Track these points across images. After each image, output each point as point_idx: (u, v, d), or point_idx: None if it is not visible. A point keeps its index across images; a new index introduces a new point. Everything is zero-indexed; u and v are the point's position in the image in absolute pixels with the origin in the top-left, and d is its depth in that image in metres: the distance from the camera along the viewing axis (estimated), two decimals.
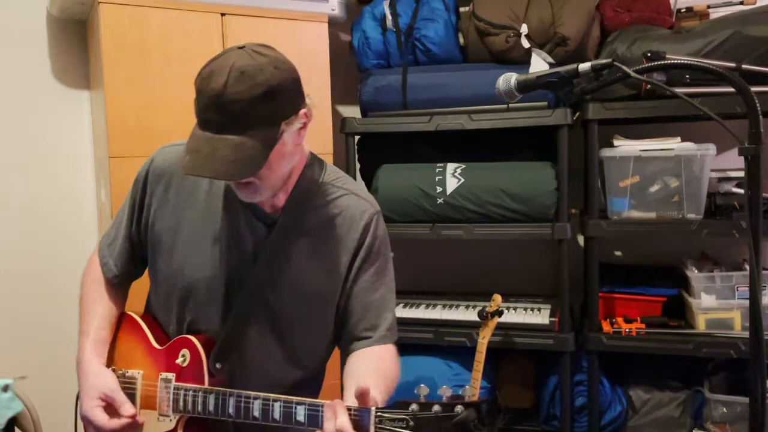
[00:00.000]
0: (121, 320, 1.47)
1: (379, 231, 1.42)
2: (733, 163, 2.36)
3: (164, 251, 1.38)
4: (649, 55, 2.23)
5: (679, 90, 1.35)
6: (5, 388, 1.80)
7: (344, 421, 1.09)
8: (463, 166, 2.55)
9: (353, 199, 1.40)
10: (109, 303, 1.45)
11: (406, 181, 2.58)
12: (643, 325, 2.44)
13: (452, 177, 2.53)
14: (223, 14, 2.33)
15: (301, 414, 1.19)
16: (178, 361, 1.34)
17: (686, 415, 2.50)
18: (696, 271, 2.43)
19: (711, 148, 2.34)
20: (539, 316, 2.54)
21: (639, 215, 2.43)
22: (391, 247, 3.41)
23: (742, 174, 1.67)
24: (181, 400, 1.31)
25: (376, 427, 1.09)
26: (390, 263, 1.46)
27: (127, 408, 1.32)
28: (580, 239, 2.76)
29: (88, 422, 1.32)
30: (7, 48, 2.48)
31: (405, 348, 2.60)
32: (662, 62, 1.39)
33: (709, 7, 2.58)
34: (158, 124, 2.23)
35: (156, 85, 2.23)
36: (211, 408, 1.28)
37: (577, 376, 2.54)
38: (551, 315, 2.52)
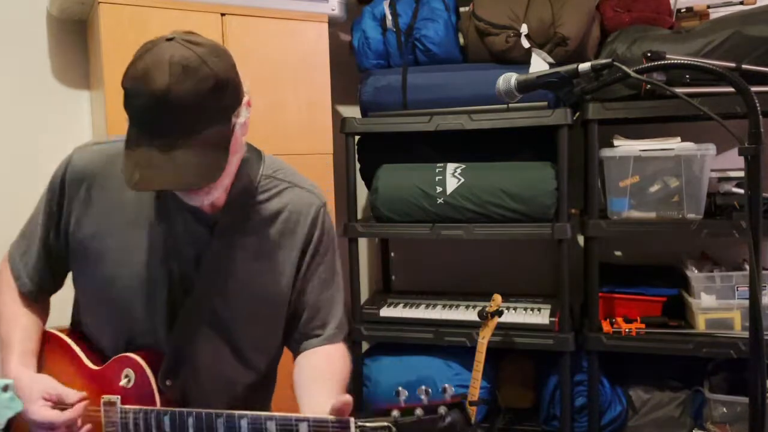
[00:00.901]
0: (45, 340, 1.33)
1: (327, 224, 1.35)
2: (733, 163, 2.36)
3: (92, 262, 1.25)
4: (649, 55, 2.23)
5: (679, 90, 1.35)
6: (5, 388, 1.79)
7: None
8: (463, 166, 2.56)
9: (297, 192, 1.32)
10: (31, 316, 1.32)
11: (406, 181, 2.58)
12: (643, 325, 2.44)
13: (452, 177, 2.53)
14: (223, 14, 2.33)
15: (272, 429, 1.10)
16: (122, 382, 1.22)
17: (686, 415, 2.50)
18: (696, 271, 2.43)
19: (711, 148, 2.34)
20: (539, 316, 2.54)
21: (639, 215, 2.43)
22: (390, 247, 3.42)
23: (742, 174, 1.67)
24: (131, 425, 1.20)
25: None
26: (338, 257, 1.39)
27: (73, 395, 1.21)
28: (580, 239, 2.76)
29: (39, 426, 1.21)
30: (7, 48, 2.48)
31: (405, 348, 2.65)
32: (662, 62, 1.39)
33: (709, 7, 2.59)
34: None
35: None
36: (167, 429, 1.17)
37: (577, 376, 2.54)
38: (551, 315, 2.52)
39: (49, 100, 2.57)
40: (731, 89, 1.14)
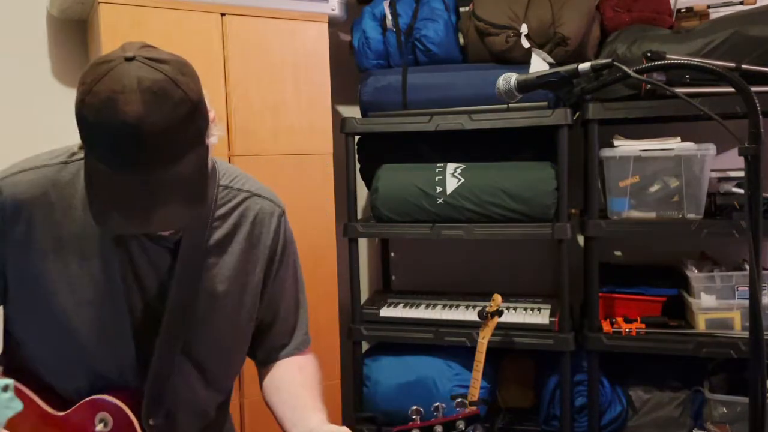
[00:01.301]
0: None
1: (288, 232, 1.30)
2: (733, 163, 2.36)
3: (40, 302, 1.09)
4: (649, 55, 2.23)
5: (679, 90, 1.35)
6: (5, 388, 1.79)
7: None
8: (463, 166, 2.56)
9: (258, 201, 1.24)
10: None
11: (406, 181, 2.58)
12: (643, 325, 2.44)
13: (452, 177, 2.53)
14: (223, 14, 2.33)
15: None
16: (98, 428, 1.11)
17: (686, 415, 2.50)
18: (696, 271, 2.43)
19: (711, 148, 2.33)
20: (539, 316, 2.54)
21: (639, 215, 2.43)
22: (390, 246, 3.43)
23: (742, 174, 1.67)
24: None
25: None
26: (299, 261, 1.34)
27: None
28: (580, 239, 2.76)
29: None
30: (7, 48, 2.48)
31: (405, 348, 2.65)
32: (662, 62, 1.39)
33: (709, 7, 2.58)
34: None
35: None
36: None
37: (577, 376, 2.54)
38: (551, 315, 2.52)
39: (49, 100, 2.57)
40: (731, 89, 1.14)
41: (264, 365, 1.33)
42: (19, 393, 1.13)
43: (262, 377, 1.33)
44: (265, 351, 1.31)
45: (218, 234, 1.18)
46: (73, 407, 1.13)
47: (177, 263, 1.12)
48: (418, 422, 1.09)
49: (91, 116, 0.91)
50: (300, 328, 1.33)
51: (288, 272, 1.30)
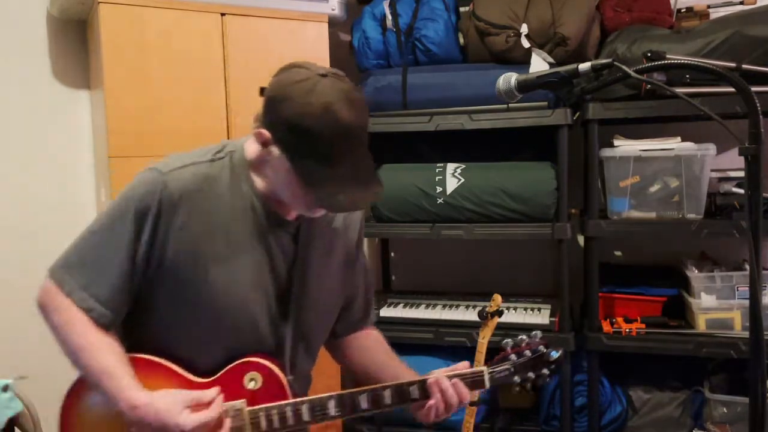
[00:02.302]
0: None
1: (363, 216, 1.50)
2: (733, 163, 2.36)
3: (193, 285, 1.24)
4: (649, 55, 2.23)
5: (679, 90, 1.35)
6: (5, 388, 1.80)
7: (446, 386, 1.30)
8: (463, 166, 2.55)
9: None
10: (114, 344, 1.25)
11: (406, 181, 2.58)
12: (643, 325, 2.44)
13: (452, 177, 2.53)
14: (223, 14, 2.33)
15: (415, 393, 1.31)
16: (248, 386, 1.27)
17: (686, 415, 2.50)
18: (696, 271, 2.43)
19: (711, 148, 2.33)
20: (539, 316, 2.54)
21: (639, 215, 2.43)
22: (390, 246, 3.43)
23: (742, 174, 1.67)
24: (263, 423, 1.26)
25: (491, 383, 1.35)
26: (364, 246, 1.55)
27: (208, 394, 1.22)
28: (580, 239, 2.76)
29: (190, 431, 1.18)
30: (7, 48, 2.48)
31: (405, 348, 2.62)
32: (662, 62, 1.39)
33: (709, 7, 2.58)
34: (158, 124, 2.23)
35: (156, 85, 2.23)
36: (306, 417, 1.28)
37: (577, 376, 2.54)
38: (551, 315, 2.52)
39: (49, 100, 2.57)
40: (731, 89, 1.14)
41: (340, 338, 1.50)
42: (161, 368, 1.27)
43: (338, 347, 1.52)
44: (345, 324, 1.49)
45: (321, 222, 1.36)
46: (222, 372, 1.27)
47: (299, 246, 1.32)
48: (509, 349, 1.37)
49: (312, 123, 1.11)
50: (372, 304, 1.54)
51: (363, 256, 1.51)
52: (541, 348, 1.37)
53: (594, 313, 2.47)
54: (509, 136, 2.57)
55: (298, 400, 1.28)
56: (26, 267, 2.53)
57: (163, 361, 1.28)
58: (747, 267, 2.38)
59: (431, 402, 1.31)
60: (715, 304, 2.35)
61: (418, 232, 2.59)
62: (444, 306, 2.68)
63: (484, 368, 1.35)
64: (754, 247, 1.10)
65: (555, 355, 1.37)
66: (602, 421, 2.49)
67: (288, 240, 1.31)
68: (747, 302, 1.17)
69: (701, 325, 2.37)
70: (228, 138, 2.34)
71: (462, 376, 1.32)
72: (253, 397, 1.27)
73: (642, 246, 2.87)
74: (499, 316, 2.33)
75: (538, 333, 1.39)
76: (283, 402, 1.28)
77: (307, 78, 1.14)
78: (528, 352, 1.36)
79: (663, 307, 2.51)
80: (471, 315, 2.55)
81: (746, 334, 2.10)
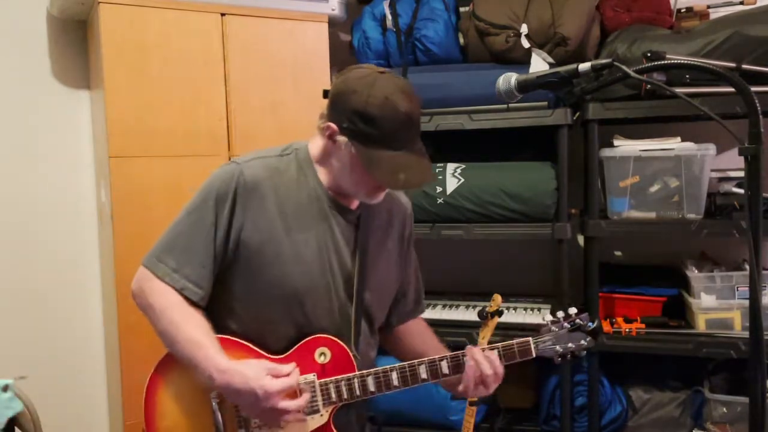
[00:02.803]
0: None
1: (412, 213, 1.64)
2: (733, 163, 2.36)
3: (267, 263, 1.37)
4: (649, 55, 2.23)
5: (679, 90, 1.35)
6: (5, 388, 1.80)
7: (480, 358, 1.42)
8: (463, 166, 2.55)
9: (397, 192, 1.59)
10: (204, 320, 1.38)
11: None
12: (643, 325, 2.45)
13: (452, 177, 2.53)
14: (223, 14, 2.33)
15: (444, 368, 1.42)
16: (319, 360, 1.39)
17: (686, 415, 2.50)
18: (696, 271, 2.43)
19: (711, 148, 2.33)
20: (539, 316, 2.54)
21: (639, 215, 2.43)
22: None
23: (742, 174, 1.67)
24: (333, 393, 1.39)
25: (537, 351, 1.45)
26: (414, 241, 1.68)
27: (286, 366, 1.34)
28: (580, 239, 2.76)
29: (274, 394, 1.28)
30: (7, 48, 2.48)
31: None
32: (662, 62, 1.39)
33: (709, 7, 2.58)
34: (158, 124, 2.23)
35: (156, 85, 2.23)
36: (372, 388, 1.40)
37: (577, 376, 2.54)
38: (551, 315, 2.51)
39: (49, 100, 2.57)
40: (731, 89, 1.14)
41: (393, 327, 1.64)
42: (240, 346, 1.39)
43: (391, 337, 1.65)
44: (398, 314, 1.63)
45: (377, 212, 1.50)
46: (294, 349, 1.40)
47: (358, 232, 1.45)
48: (549, 323, 1.48)
49: (377, 112, 1.28)
50: (422, 296, 1.69)
51: (413, 252, 1.64)
52: (579, 320, 1.47)
53: (594, 313, 2.47)
54: (509, 136, 2.56)
55: (364, 372, 1.40)
56: (26, 267, 2.54)
57: (240, 340, 1.40)
58: (747, 267, 2.38)
59: (468, 372, 1.41)
60: (715, 304, 2.35)
61: (417, 232, 2.55)
62: (444, 306, 2.68)
63: (530, 338, 1.46)
64: (754, 247, 1.10)
65: (592, 325, 1.47)
66: (602, 421, 2.49)
67: (350, 227, 1.44)
68: (747, 302, 1.17)
69: (701, 325, 2.37)
70: (227, 138, 2.34)
71: (509, 347, 1.45)
72: (323, 370, 1.39)
73: (642, 246, 2.87)
74: (499, 316, 2.33)
75: (574, 308, 1.48)
76: (350, 374, 1.40)
77: (368, 75, 1.32)
78: (567, 324, 1.47)
79: (663, 307, 2.51)
80: (471, 315, 2.55)
81: (746, 334, 2.09)
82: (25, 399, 1.84)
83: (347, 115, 1.30)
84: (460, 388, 1.44)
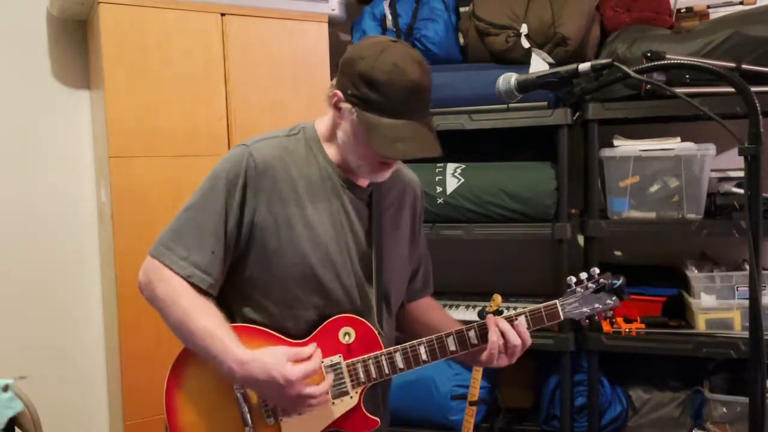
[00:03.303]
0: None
1: (423, 199, 1.61)
2: (733, 163, 2.36)
3: (283, 245, 1.33)
4: (649, 55, 2.23)
5: (679, 90, 1.35)
6: (5, 388, 1.80)
7: (506, 328, 1.38)
8: (463, 166, 2.55)
9: (404, 168, 1.55)
10: (216, 309, 1.33)
11: None
12: (643, 325, 2.44)
13: (452, 177, 2.53)
14: (223, 14, 2.33)
15: (473, 337, 1.38)
16: (344, 340, 1.36)
17: (686, 415, 2.50)
18: (696, 271, 2.43)
19: (711, 148, 2.33)
20: None
21: (639, 215, 2.43)
22: None
23: (742, 174, 1.67)
24: (361, 373, 1.36)
25: (563, 313, 1.42)
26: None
27: (307, 348, 1.31)
28: (580, 239, 2.76)
29: (297, 381, 1.24)
30: (7, 48, 2.48)
31: None
32: (662, 62, 1.40)
33: (709, 7, 2.59)
34: (158, 124, 2.23)
35: (156, 85, 2.23)
36: (401, 365, 1.37)
37: (577, 376, 2.54)
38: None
39: (49, 100, 2.57)
40: (731, 89, 1.14)
41: (403, 306, 1.60)
42: (258, 333, 1.34)
43: (402, 315, 1.59)
44: (409, 293, 1.60)
45: (388, 192, 1.47)
46: (316, 331, 1.36)
47: (372, 211, 1.42)
48: (573, 285, 1.44)
49: (384, 77, 1.22)
50: (431, 275, 1.66)
51: (422, 231, 1.61)
52: (603, 280, 1.44)
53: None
54: (509, 136, 2.57)
55: (391, 348, 1.37)
56: (26, 267, 2.54)
57: (259, 327, 1.36)
58: (747, 267, 2.38)
59: (493, 340, 1.36)
60: (715, 304, 2.35)
61: None
62: (444, 306, 2.68)
63: (556, 301, 1.42)
64: (754, 247, 1.10)
65: (617, 282, 1.44)
66: (602, 421, 2.49)
67: (362, 205, 1.41)
68: (747, 302, 1.17)
69: (701, 325, 2.37)
70: (227, 138, 2.34)
71: (535, 312, 1.41)
72: (348, 350, 1.36)
73: (642, 246, 2.87)
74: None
75: (596, 269, 1.45)
76: (377, 352, 1.36)
77: (380, 42, 1.28)
78: (591, 285, 1.44)
79: (663, 307, 2.51)
80: (471, 315, 2.55)
81: (746, 334, 2.08)
82: (25, 399, 1.84)
83: (353, 80, 1.26)
84: (483, 357, 1.38)
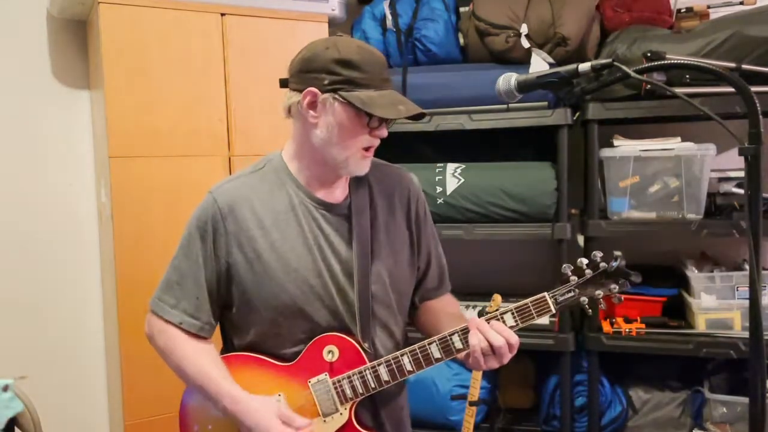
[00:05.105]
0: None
1: (422, 195, 1.57)
2: (733, 163, 2.36)
3: (259, 281, 1.37)
4: (649, 55, 2.23)
5: (679, 90, 1.35)
6: (5, 388, 1.80)
7: (485, 329, 1.32)
8: (463, 166, 2.55)
9: (395, 171, 1.54)
10: (211, 349, 1.42)
11: None
12: (643, 325, 2.45)
13: (452, 177, 2.53)
14: (223, 14, 2.33)
15: (458, 342, 1.34)
16: (327, 358, 1.38)
17: (686, 415, 2.50)
18: (696, 271, 2.43)
19: (711, 148, 2.34)
20: None
21: (639, 215, 2.43)
22: None
23: (742, 174, 1.67)
24: (348, 389, 1.38)
25: (556, 306, 1.36)
26: (430, 218, 1.62)
27: (300, 420, 1.34)
28: (580, 239, 2.76)
29: None
30: (7, 48, 2.49)
31: None
32: (662, 62, 1.39)
33: (709, 7, 2.59)
34: (158, 124, 2.23)
35: (156, 85, 2.23)
36: (386, 377, 1.36)
37: (577, 376, 2.54)
38: (551, 315, 2.51)
39: (49, 100, 2.57)
40: (731, 89, 1.14)
41: (424, 300, 1.59)
42: (250, 358, 1.41)
43: (416, 315, 1.59)
44: (422, 293, 1.58)
45: (373, 196, 1.46)
46: (302, 353, 1.39)
47: (353, 223, 1.41)
48: (569, 273, 1.37)
49: (358, 58, 1.28)
50: (446, 273, 1.64)
51: (429, 229, 1.58)
52: (602, 264, 1.37)
53: (594, 313, 2.47)
54: (509, 136, 2.57)
55: (375, 362, 1.37)
56: (27, 267, 2.54)
57: (252, 354, 1.42)
58: (747, 267, 2.38)
59: (474, 343, 1.32)
60: (715, 304, 2.35)
61: None
62: None
63: (546, 293, 1.36)
64: (754, 247, 1.10)
65: (615, 264, 1.39)
66: (602, 421, 2.49)
67: (341, 220, 1.41)
68: (747, 302, 1.17)
69: (701, 325, 2.37)
70: (227, 138, 2.35)
71: (522, 307, 1.37)
72: (333, 368, 1.38)
73: (642, 246, 2.86)
74: None
75: (598, 253, 1.38)
76: (362, 366, 1.37)
77: (327, 38, 1.33)
78: (589, 271, 1.37)
79: (663, 307, 2.51)
80: (471, 315, 2.54)
81: (746, 334, 2.09)
82: (25, 399, 1.84)
83: (327, 69, 1.29)
84: (470, 361, 1.35)
